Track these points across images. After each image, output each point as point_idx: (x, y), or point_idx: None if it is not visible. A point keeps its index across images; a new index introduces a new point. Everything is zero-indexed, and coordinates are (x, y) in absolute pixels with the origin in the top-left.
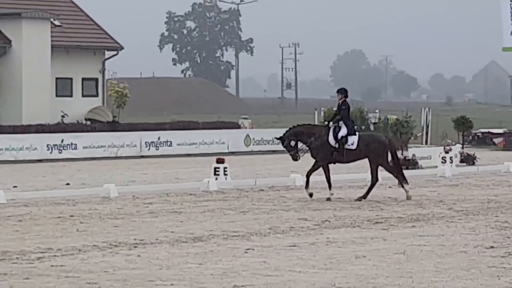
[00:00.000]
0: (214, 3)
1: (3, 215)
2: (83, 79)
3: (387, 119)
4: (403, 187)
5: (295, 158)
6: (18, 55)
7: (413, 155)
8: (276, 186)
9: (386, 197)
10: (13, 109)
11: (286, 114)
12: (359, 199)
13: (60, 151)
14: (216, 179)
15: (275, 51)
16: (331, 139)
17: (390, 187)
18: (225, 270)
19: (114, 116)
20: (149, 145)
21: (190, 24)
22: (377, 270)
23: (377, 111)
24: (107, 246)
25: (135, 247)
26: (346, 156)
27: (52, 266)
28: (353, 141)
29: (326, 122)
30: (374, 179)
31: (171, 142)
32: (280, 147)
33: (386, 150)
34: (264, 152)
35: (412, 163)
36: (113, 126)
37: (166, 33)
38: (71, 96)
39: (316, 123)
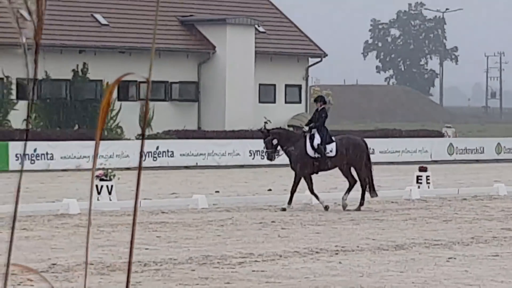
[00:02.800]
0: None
1: (205, 219)
2: (286, 86)
3: None
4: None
5: (270, 158)
6: (222, 61)
7: None
8: (479, 196)
9: None
10: (216, 115)
11: (490, 124)
12: (358, 209)
13: (263, 157)
14: (419, 187)
15: (479, 60)
16: (309, 150)
17: None
18: (426, 279)
19: None
20: None
21: (395, 32)
22: None
23: None
24: (308, 252)
25: (336, 253)
26: (328, 164)
27: (253, 271)
28: (331, 148)
29: (304, 127)
30: (352, 180)
31: (373, 150)
32: (484, 156)
33: (364, 153)
34: (467, 161)
35: None
36: None
37: (370, 41)
38: (274, 102)
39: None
